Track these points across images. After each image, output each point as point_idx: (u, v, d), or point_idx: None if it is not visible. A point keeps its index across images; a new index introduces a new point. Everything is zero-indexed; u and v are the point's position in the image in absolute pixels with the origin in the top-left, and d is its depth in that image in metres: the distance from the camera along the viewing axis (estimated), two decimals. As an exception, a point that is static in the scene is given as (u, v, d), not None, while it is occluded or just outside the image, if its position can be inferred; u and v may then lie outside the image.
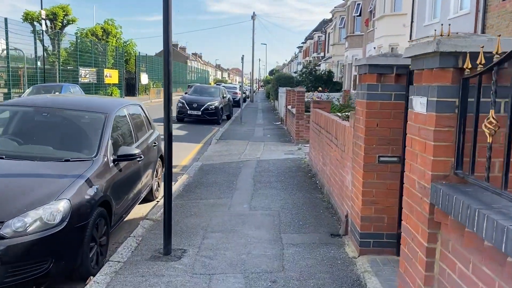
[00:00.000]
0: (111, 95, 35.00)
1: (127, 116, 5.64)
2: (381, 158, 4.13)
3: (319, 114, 7.48)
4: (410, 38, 17.69)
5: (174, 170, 9.30)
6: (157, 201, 6.60)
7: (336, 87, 29.52)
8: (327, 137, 6.45)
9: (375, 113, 4.08)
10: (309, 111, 12.89)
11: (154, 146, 6.50)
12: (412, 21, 17.68)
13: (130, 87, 43.04)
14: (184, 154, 11.09)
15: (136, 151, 4.83)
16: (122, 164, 4.85)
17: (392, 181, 4.15)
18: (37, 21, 25.46)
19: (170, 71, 4.10)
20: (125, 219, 5.53)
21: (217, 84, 44.69)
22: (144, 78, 43.52)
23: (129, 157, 4.74)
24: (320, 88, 14.61)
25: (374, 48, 22.21)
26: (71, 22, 27.94)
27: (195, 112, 18.42)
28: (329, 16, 48.33)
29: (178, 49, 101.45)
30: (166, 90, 4.13)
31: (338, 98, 15.29)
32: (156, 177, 6.79)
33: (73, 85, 19.00)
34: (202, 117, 18.50)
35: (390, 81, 4.04)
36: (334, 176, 5.79)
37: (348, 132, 4.88)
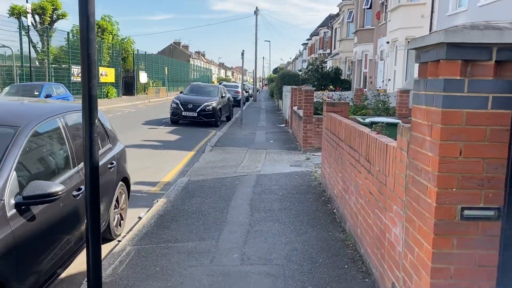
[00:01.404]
0: (107, 94, 33.38)
1: (62, 129, 3.84)
2: (467, 212, 2.32)
3: (337, 121, 5.68)
4: (430, 30, 15.80)
5: (153, 189, 7.54)
6: (118, 241, 4.84)
7: (345, 85, 27.69)
8: (351, 155, 4.64)
9: (458, 131, 2.27)
10: (318, 114, 11.08)
11: (111, 167, 4.72)
12: (432, 11, 15.82)
13: (128, 86, 41.36)
14: (171, 165, 9.32)
15: (58, 187, 3.03)
16: (37, 208, 3.07)
17: (485, 252, 2.35)
18: (24, 16, 23.74)
19: (91, 55, 2.33)
20: (61, 275, 3.80)
21: (219, 83, 42.77)
22: (143, 77, 41.79)
23: (43, 199, 2.95)
24: (331, 86, 12.79)
25: (388, 42, 20.35)
26: (61, 17, 26.17)
27: (190, 114, 16.65)
28: (335, 11, 46.35)
29: (181, 47, 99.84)
30: (85, 88, 2.35)
31: (352, 98, 13.46)
32: (117, 207, 5.03)
33: (57, 85, 17.29)
34: (198, 119, 16.72)
35: (485, 74, 2.23)
36: (364, 215, 3.98)
37: (394, 157, 3.07)
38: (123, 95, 38.64)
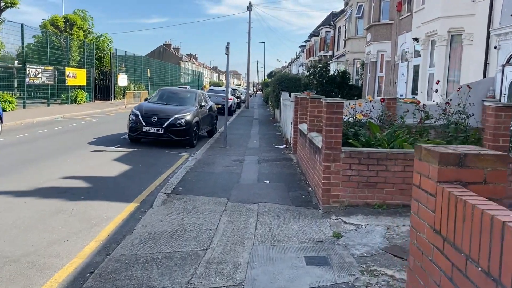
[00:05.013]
0: (75, 99, 28.61)
1: None
2: None
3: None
4: (490, 17, 11.35)
5: None
6: None
7: (354, 91, 23.32)
8: None
9: None
10: (349, 142, 6.53)
11: None
12: (492, -9, 11.38)
13: (105, 89, 36.59)
14: (74, 247, 4.72)
15: None
16: None
17: None
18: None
19: None
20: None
21: (211, 87, 37.84)
22: (122, 80, 36.93)
23: None
24: (370, 97, 8.27)
25: (415, 39, 15.92)
26: (10, 5, 21.48)
27: (154, 130, 11.98)
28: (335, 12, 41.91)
29: (171, 49, 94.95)
30: None
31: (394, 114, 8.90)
32: None
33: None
34: (166, 137, 12.08)
35: None
36: None
37: None
38: (97, 99, 33.89)
